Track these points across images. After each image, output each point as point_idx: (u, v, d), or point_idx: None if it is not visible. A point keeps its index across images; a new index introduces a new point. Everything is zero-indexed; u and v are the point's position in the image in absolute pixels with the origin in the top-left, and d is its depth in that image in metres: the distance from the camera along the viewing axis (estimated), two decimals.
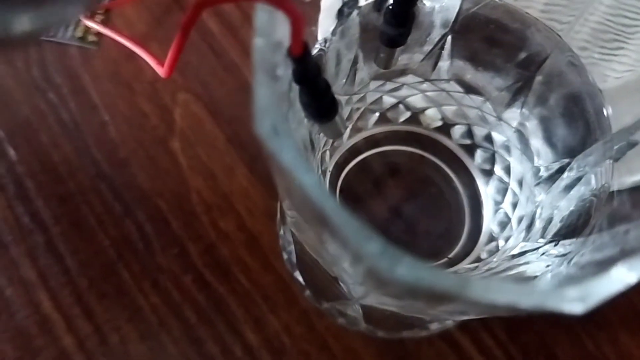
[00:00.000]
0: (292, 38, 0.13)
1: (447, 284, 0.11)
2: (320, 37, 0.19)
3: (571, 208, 0.19)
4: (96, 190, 0.30)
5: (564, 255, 0.17)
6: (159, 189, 0.30)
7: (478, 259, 0.23)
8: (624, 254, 0.13)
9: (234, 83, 0.31)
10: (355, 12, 0.19)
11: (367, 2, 0.19)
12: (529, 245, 0.20)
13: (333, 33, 0.19)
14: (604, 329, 0.28)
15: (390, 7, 0.17)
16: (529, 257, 0.19)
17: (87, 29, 0.32)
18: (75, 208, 0.29)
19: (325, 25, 0.19)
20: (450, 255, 0.24)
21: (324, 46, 0.19)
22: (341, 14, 0.18)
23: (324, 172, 0.23)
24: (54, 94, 0.31)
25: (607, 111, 0.18)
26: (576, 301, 0.10)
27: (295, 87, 0.16)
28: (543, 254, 0.18)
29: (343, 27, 0.19)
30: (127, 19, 0.32)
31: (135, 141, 0.30)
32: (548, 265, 0.17)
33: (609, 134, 0.18)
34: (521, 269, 0.19)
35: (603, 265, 0.13)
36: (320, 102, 0.16)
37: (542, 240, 0.20)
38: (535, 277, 0.17)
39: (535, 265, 0.18)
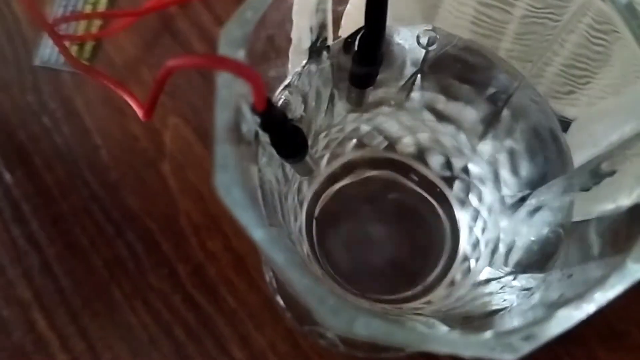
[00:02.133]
0: (255, 97, 0.13)
1: (399, 339, 0.11)
2: (291, 71, 0.19)
3: (532, 237, 0.19)
4: (88, 212, 0.30)
5: (525, 290, 0.18)
6: (150, 210, 0.30)
7: (452, 282, 0.23)
8: (573, 297, 0.13)
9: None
10: (325, 52, 0.19)
11: (336, 42, 0.19)
12: (492, 272, 0.20)
13: (304, 69, 0.19)
14: (581, 345, 0.28)
15: (357, 49, 0.18)
16: (492, 286, 0.19)
17: (79, 54, 0.32)
18: (69, 229, 0.30)
19: (296, 60, 0.19)
20: (426, 283, 0.24)
21: (295, 81, 0.19)
22: (312, 52, 0.19)
23: (300, 202, 0.24)
24: (48, 118, 0.31)
25: (568, 148, 0.19)
26: (508, 351, 0.10)
27: None
28: (505, 285, 0.19)
29: (317, 64, 0.19)
30: (118, 45, 0.33)
31: (127, 164, 0.31)
32: (505, 300, 0.18)
33: (569, 169, 0.18)
34: (485, 299, 0.19)
35: (553, 307, 0.13)
36: (289, 144, 0.17)
37: (504, 269, 0.20)
38: (499, 310, 0.17)
39: (497, 297, 0.18)
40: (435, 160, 0.25)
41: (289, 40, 0.17)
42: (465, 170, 0.24)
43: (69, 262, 0.29)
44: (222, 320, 0.28)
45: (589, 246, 0.16)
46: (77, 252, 0.29)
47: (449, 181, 0.25)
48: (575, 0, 0.16)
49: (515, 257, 0.19)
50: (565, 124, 0.20)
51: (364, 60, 0.17)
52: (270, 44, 0.16)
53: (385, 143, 0.26)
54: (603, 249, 0.15)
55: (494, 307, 0.18)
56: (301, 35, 0.17)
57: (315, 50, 0.18)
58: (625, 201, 0.15)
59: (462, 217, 0.25)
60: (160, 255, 0.29)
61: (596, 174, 0.17)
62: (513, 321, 0.16)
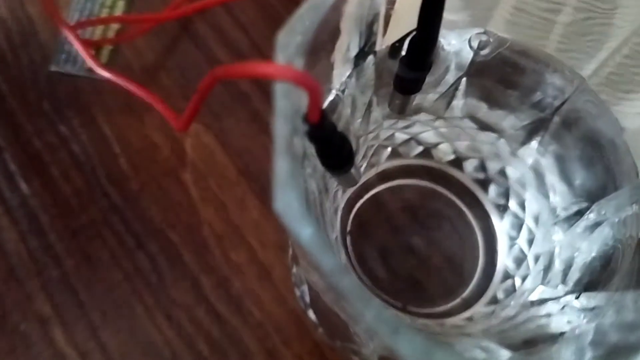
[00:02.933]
0: (311, 108, 0.12)
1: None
2: (336, 81, 0.18)
3: (593, 254, 0.18)
4: (108, 224, 0.29)
5: (588, 310, 0.16)
6: (171, 221, 0.29)
7: (494, 300, 0.22)
8: None
9: (244, 113, 0.30)
10: (371, 58, 0.18)
11: (383, 47, 0.18)
12: (548, 292, 0.19)
13: (349, 77, 0.18)
14: None
15: (407, 53, 0.16)
16: (549, 307, 0.18)
17: (97, 59, 0.31)
18: (88, 241, 0.28)
19: (340, 68, 0.18)
20: (464, 295, 0.23)
21: (340, 91, 0.18)
22: (358, 59, 0.17)
23: (335, 210, 0.22)
24: (65, 126, 0.30)
25: (631, 158, 0.17)
26: None
27: None
28: (565, 306, 0.17)
29: (358, 72, 0.18)
30: (136, 49, 0.31)
31: (147, 173, 0.29)
32: (569, 322, 0.16)
33: (633, 181, 0.17)
34: (542, 321, 0.17)
35: (626, 331, 0.12)
36: (336, 157, 0.15)
37: (562, 288, 0.18)
38: (560, 334, 0.16)
39: (557, 318, 0.17)
40: (470, 164, 0.24)
41: (335, 50, 0.16)
42: (502, 173, 0.23)
43: (89, 275, 0.28)
44: (247, 334, 0.27)
45: None
46: (97, 264, 0.28)
47: (484, 184, 0.24)
48: None
49: (575, 275, 0.18)
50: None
51: (413, 65, 0.16)
52: (320, 53, 0.15)
53: (420, 149, 0.24)
54: None
55: (557, 330, 0.16)
56: (350, 41, 0.16)
57: (362, 57, 0.17)
58: None
59: (500, 225, 0.24)
60: (182, 268, 0.28)
61: None
62: (584, 345, 0.14)
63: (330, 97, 0.17)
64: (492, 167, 0.23)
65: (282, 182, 0.11)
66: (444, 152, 0.24)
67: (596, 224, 0.18)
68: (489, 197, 0.24)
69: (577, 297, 0.17)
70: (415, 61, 0.16)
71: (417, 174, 0.25)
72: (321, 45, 0.15)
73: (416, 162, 0.25)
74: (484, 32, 0.18)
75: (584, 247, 0.18)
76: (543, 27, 0.17)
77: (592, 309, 0.16)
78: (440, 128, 0.23)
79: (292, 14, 0.13)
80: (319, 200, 0.18)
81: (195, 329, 0.27)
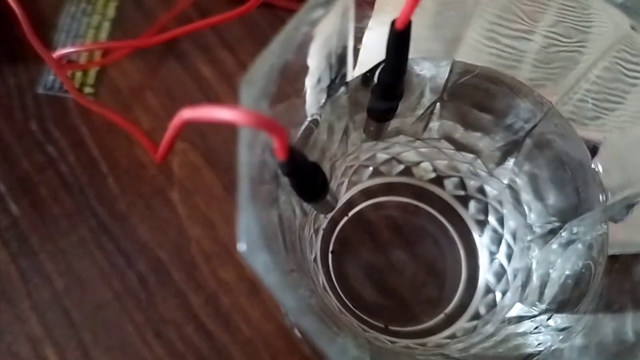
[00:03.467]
0: (278, 148, 0.12)
1: None
2: (311, 109, 0.18)
3: (567, 271, 0.19)
4: (98, 244, 0.29)
5: (560, 330, 0.17)
6: (159, 240, 0.29)
7: (477, 315, 0.22)
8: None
9: (229, 131, 0.31)
10: (343, 88, 0.18)
11: (355, 77, 0.18)
12: (525, 309, 0.19)
13: (323, 106, 0.18)
14: None
15: (377, 84, 0.17)
16: (525, 325, 0.18)
17: (84, 80, 0.31)
18: (79, 261, 0.29)
19: (312, 98, 0.18)
20: (447, 311, 0.23)
21: (315, 119, 0.18)
22: (330, 89, 0.18)
23: (316, 230, 0.23)
24: (53, 147, 0.30)
25: (599, 180, 0.18)
26: None
27: None
28: (539, 325, 0.18)
29: (332, 101, 0.18)
30: (122, 69, 0.32)
31: (135, 192, 0.30)
32: (541, 343, 0.17)
33: (601, 204, 0.17)
34: (519, 340, 0.18)
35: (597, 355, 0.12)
36: (309, 187, 0.16)
37: (538, 306, 0.19)
38: (534, 355, 0.16)
39: (532, 338, 0.17)
40: (450, 182, 0.24)
41: (304, 84, 0.16)
42: (481, 190, 0.23)
43: (79, 295, 0.28)
44: (236, 350, 0.28)
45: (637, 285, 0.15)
46: (87, 284, 0.28)
47: (464, 201, 0.24)
48: (607, 35, 0.15)
49: (550, 292, 0.18)
50: (594, 147, 0.19)
51: (384, 95, 0.16)
52: (289, 90, 0.15)
53: (402, 167, 0.25)
54: None
55: (532, 349, 0.17)
56: (321, 74, 0.16)
57: (334, 88, 0.17)
58: None
59: (481, 240, 0.24)
60: (172, 286, 0.28)
61: (631, 206, 0.16)
62: None
63: (305, 124, 0.18)
64: (471, 185, 0.23)
65: (244, 211, 0.11)
66: (425, 170, 0.24)
67: (569, 242, 0.19)
68: (470, 212, 0.24)
69: (549, 318, 0.18)
70: (385, 91, 0.16)
71: (399, 192, 0.25)
72: (292, 80, 0.15)
73: (398, 180, 0.25)
74: (453, 61, 0.18)
75: (558, 263, 0.19)
76: (512, 56, 0.18)
77: (563, 329, 0.17)
78: (420, 148, 0.23)
79: (278, 32, 0.13)
80: (295, 224, 0.18)
81: (185, 346, 0.28)
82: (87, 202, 0.30)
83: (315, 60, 0.15)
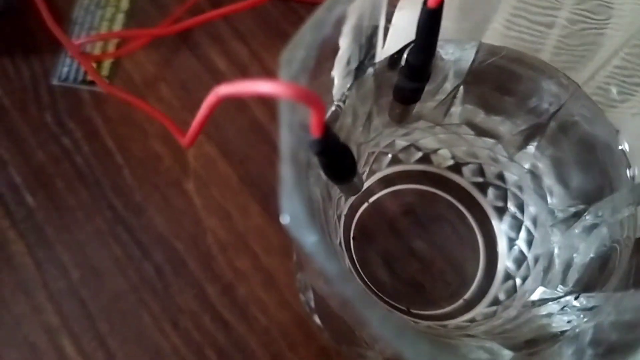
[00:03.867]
0: (314, 123, 0.13)
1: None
2: (337, 93, 0.18)
3: (591, 254, 0.19)
4: (114, 235, 0.29)
5: (588, 310, 0.17)
6: (176, 230, 0.29)
7: (496, 301, 0.22)
8: None
9: (244, 122, 0.31)
10: (371, 70, 0.18)
11: (382, 59, 0.18)
12: (549, 292, 0.19)
13: (350, 89, 0.18)
14: None
15: (406, 65, 0.17)
16: (550, 307, 0.19)
17: (98, 72, 0.31)
18: (95, 253, 0.29)
19: (340, 81, 0.18)
20: (466, 297, 0.23)
21: (341, 102, 0.18)
22: (358, 71, 0.18)
23: (339, 217, 0.23)
24: (68, 138, 0.30)
25: (627, 162, 0.18)
26: None
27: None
28: (565, 306, 0.18)
29: (358, 83, 0.18)
30: (136, 61, 0.32)
31: (150, 184, 0.30)
32: (569, 321, 0.17)
33: (629, 185, 0.18)
34: (544, 321, 0.18)
35: (624, 330, 0.12)
36: (339, 168, 0.16)
37: (562, 288, 0.19)
38: (561, 334, 0.16)
39: (557, 318, 0.18)
40: (468, 169, 0.24)
41: (335, 64, 0.16)
42: (501, 177, 0.23)
43: (96, 286, 0.28)
44: (253, 340, 0.28)
45: None
46: (103, 275, 0.28)
47: (482, 188, 0.24)
48: (636, 11, 0.15)
49: (574, 275, 0.19)
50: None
51: (412, 76, 0.17)
52: (322, 68, 0.15)
53: (420, 155, 0.25)
54: None
55: (558, 329, 0.17)
56: (350, 55, 0.16)
57: (362, 69, 0.18)
58: None
59: (500, 226, 0.24)
60: (188, 276, 0.28)
61: None
62: (584, 344, 0.15)
63: (332, 108, 0.18)
64: (490, 171, 0.24)
65: (288, 191, 0.11)
66: (443, 157, 0.24)
67: (593, 225, 0.19)
68: (488, 199, 0.24)
69: (576, 298, 0.18)
70: (414, 72, 0.16)
71: (417, 179, 0.25)
72: (323, 60, 0.15)
73: (416, 168, 0.25)
74: (479, 44, 0.19)
75: (582, 248, 0.19)
76: (537, 38, 0.18)
77: (591, 308, 0.17)
78: (439, 134, 0.23)
79: (291, 23, 0.13)
80: (322, 208, 0.18)
81: (202, 336, 0.28)
82: (102, 194, 0.30)
83: (347, 41, 0.15)
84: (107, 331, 0.28)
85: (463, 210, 0.25)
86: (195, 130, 0.15)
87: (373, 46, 0.17)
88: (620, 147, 0.18)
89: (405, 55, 0.16)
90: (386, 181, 0.25)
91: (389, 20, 0.17)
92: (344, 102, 0.18)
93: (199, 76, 0.32)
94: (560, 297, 0.18)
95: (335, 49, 0.15)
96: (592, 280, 0.18)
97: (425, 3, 0.14)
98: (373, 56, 0.18)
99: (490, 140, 0.22)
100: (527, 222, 0.23)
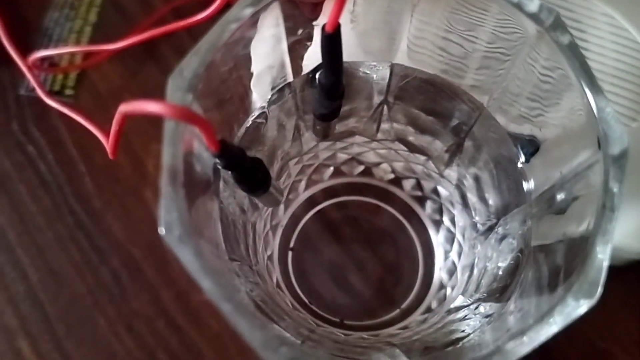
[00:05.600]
0: (207, 141, 0.14)
1: None
2: (255, 104, 0.20)
3: (499, 264, 0.20)
4: (74, 240, 0.31)
5: (486, 317, 0.18)
6: (133, 237, 0.31)
7: (429, 309, 0.24)
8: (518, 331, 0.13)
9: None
10: (287, 89, 0.20)
11: (298, 78, 0.20)
12: (463, 300, 0.21)
13: (271, 103, 0.20)
14: None
15: (319, 83, 0.18)
16: (461, 313, 0.20)
17: (64, 83, 0.33)
18: (54, 257, 0.30)
19: (260, 91, 0.20)
20: (403, 306, 0.25)
21: (261, 115, 0.20)
22: (274, 88, 0.19)
23: (274, 228, 0.24)
24: (33, 147, 0.32)
25: (526, 178, 0.19)
26: None
27: None
28: (470, 313, 0.19)
29: (279, 98, 0.20)
30: (102, 73, 0.33)
31: (110, 191, 0.31)
32: (467, 327, 0.18)
33: (528, 200, 0.19)
34: (454, 326, 0.19)
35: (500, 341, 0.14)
36: (251, 179, 0.17)
37: (474, 296, 0.20)
38: (460, 339, 0.18)
39: (463, 324, 0.19)
40: (408, 183, 0.26)
41: (249, 76, 0.18)
42: (435, 191, 0.25)
43: (54, 289, 0.30)
44: (205, 345, 0.29)
45: (540, 277, 0.17)
46: (62, 279, 0.30)
47: (421, 201, 0.26)
48: (522, 40, 0.16)
49: (485, 283, 0.20)
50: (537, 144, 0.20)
51: (326, 95, 0.18)
52: (227, 82, 0.17)
53: (362, 168, 0.26)
54: (551, 282, 0.16)
55: (456, 336, 0.18)
56: (261, 72, 0.18)
57: (277, 87, 0.19)
58: (574, 230, 0.15)
59: (437, 239, 0.26)
60: (144, 281, 0.30)
61: (552, 203, 0.17)
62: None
63: (250, 121, 0.19)
64: (427, 186, 0.25)
65: (166, 206, 0.13)
66: (384, 171, 0.26)
67: (503, 237, 0.20)
68: (427, 212, 0.26)
69: (477, 306, 0.19)
70: (326, 91, 0.18)
71: (361, 191, 0.27)
72: (225, 75, 0.17)
73: (359, 180, 0.27)
74: (391, 65, 0.20)
75: (494, 257, 0.20)
76: (443, 60, 0.19)
77: (489, 316, 0.18)
78: (378, 149, 0.25)
79: None
80: (241, 219, 0.20)
81: (155, 340, 0.29)
82: (64, 200, 0.31)
83: (255, 56, 0.16)
84: (63, 334, 0.29)
85: (404, 222, 0.27)
86: (113, 143, 0.17)
87: (284, 67, 0.19)
88: (520, 165, 0.19)
89: (317, 75, 0.18)
90: (330, 192, 0.27)
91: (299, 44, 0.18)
92: (264, 114, 0.19)
93: (162, 87, 0.33)
94: (469, 305, 0.20)
95: (240, 63, 0.17)
96: (494, 289, 0.19)
97: (323, 28, 0.15)
98: (285, 76, 0.19)
99: (422, 157, 0.24)
100: (458, 235, 0.24)
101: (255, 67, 0.17)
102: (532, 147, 0.20)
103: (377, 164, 0.26)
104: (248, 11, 0.15)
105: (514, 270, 0.19)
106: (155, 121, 0.33)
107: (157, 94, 0.33)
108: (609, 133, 0.14)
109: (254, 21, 0.15)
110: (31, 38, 0.34)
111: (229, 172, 0.17)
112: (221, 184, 0.18)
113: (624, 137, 0.14)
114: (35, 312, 0.30)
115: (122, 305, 0.30)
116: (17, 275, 0.30)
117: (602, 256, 0.13)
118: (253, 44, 0.16)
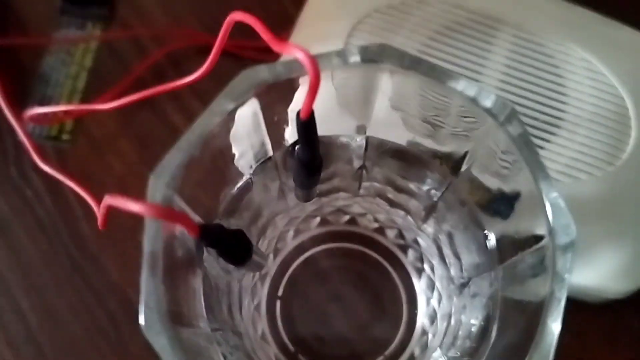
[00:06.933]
0: (188, 231, 0.16)
1: None
2: (245, 170, 0.22)
3: (472, 320, 0.22)
4: (71, 282, 0.32)
5: None
6: (130, 279, 0.32)
7: (412, 357, 0.25)
8: None
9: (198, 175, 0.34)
10: (269, 162, 0.21)
11: (279, 151, 0.21)
12: (440, 354, 0.22)
13: (253, 174, 0.21)
14: None
15: (297, 157, 0.20)
16: None
17: (61, 128, 0.35)
18: (52, 299, 0.32)
19: (244, 165, 0.21)
20: (387, 352, 0.26)
21: (247, 181, 0.22)
22: (257, 161, 0.21)
23: (262, 277, 0.26)
24: (31, 191, 0.34)
25: (492, 246, 0.21)
26: None
27: None
28: None
29: (263, 170, 0.21)
30: (98, 119, 0.35)
31: (107, 235, 0.33)
32: None
33: (494, 267, 0.21)
34: None
35: None
36: (233, 252, 0.19)
37: (451, 351, 0.22)
38: None
39: None
40: (391, 232, 0.27)
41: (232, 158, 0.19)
42: (416, 241, 0.27)
43: (52, 332, 0.32)
44: None
45: (506, 345, 0.18)
46: (59, 321, 0.32)
47: (404, 249, 0.28)
48: (482, 127, 0.18)
49: (461, 336, 0.21)
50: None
51: (304, 168, 0.20)
52: (209, 169, 0.18)
53: (348, 217, 0.28)
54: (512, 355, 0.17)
55: None
56: (243, 152, 0.19)
57: (259, 160, 0.21)
58: (535, 302, 0.17)
59: (419, 285, 0.27)
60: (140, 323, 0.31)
61: (514, 275, 0.19)
62: None
63: (236, 188, 0.21)
64: (408, 236, 0.27)
65: (145, 300, 0.14)
66: (369, 220, 0.28)
67: (474, 295, 0.22)
68: (409, 260, 0.27)
69: None
70: (304, 164, 0.19)
71: (348, 239, 0.28)
72: (206, 165, 0.18)
73: (345, 229, 0.28)
74: (366, 137, 0.22)
75: (467, 312, 0.22)
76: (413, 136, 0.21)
77: None
78: (361, 203, 0.26)
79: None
80: (225, 279, 0.21)
81: None
82: (62, 244, 0.33)
83: (235, 141, 0.18)
84: None
85: (389, 268, 0.28)
86: (102, 218, 0.19)
87: (264, 145, 0.20)
88: (485, 232, 0.21)
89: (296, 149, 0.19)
90: (317, 240, 0.28)
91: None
92: (249, 180, 0.21)
93: (157, 132, 0.35)
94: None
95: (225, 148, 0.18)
96: (474, 348, 0.21)
97: (298, 114, 0.17)
98: (266, 152, 0.21)
99: (402, 212, 0.25)
100: (437, 283, 0.26)
101: (236, 149, 0.19)
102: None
103: (362, 214, 0.27)
104: (230, 106, 0.16)
105: (484, 332, 0.20)
106: (149, 163, 0.34)
107: (152, 138, 0.35)
108: (560, 222, 0.15)
109: (232, 115, 0.17)
110: (28, 83, 0.36)
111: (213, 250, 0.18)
112: (205, 253, 0.19)
113: (572, 227, 0.15)
114: (34, 354, 0.31)
115: (119, 348, 0.31)
116: (16, 317, 0.32)
117: (551, 339, 0.15)
118: (232, 132, 0.18)
